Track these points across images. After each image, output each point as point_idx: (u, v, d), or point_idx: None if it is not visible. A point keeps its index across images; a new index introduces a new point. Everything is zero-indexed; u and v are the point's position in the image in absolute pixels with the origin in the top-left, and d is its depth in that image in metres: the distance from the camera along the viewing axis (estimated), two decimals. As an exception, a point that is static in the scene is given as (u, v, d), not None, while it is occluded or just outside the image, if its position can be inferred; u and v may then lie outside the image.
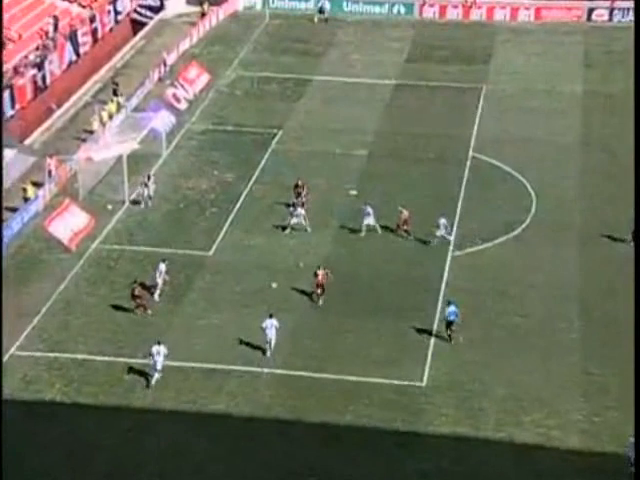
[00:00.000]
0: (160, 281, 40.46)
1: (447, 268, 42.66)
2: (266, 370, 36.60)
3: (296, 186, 46.72)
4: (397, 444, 33.30)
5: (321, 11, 70.86)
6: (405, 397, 35.35)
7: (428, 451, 33.13)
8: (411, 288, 41.22)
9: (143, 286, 40.11)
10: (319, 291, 40.23)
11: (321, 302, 40.28)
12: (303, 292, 40.95)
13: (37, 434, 33.32)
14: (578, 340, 38.04)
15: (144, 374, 36.18)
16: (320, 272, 40.08)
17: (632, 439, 31.26)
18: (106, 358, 37.18)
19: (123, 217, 46.83)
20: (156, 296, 40.44)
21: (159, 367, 35.74)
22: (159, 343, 35.85)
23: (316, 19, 70.53)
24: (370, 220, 44.43)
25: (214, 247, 44.26)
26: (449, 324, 37.93)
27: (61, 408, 34.72)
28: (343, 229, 45.56)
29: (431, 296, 40.71)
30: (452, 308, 37.80)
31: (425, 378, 36.20)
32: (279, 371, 36.54)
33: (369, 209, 44.42)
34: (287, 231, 44.76)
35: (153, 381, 35.87)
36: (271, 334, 37.11)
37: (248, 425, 34.06)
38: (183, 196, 48.49)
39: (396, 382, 36.03)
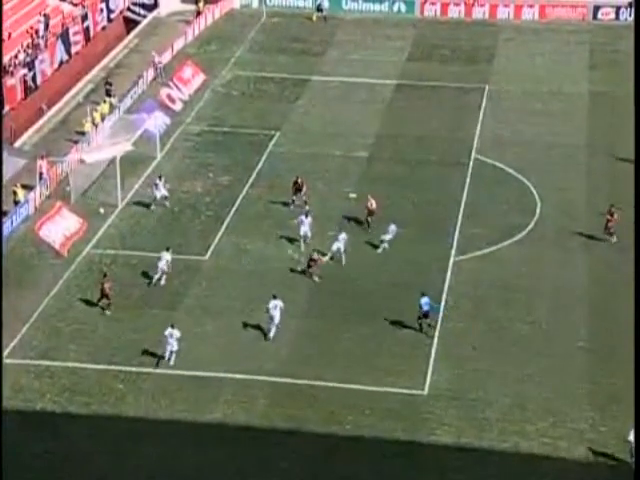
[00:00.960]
0: (166, 268, 41.06)
1: (449, 273, 42.11)
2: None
3: (295, 183, 46.30)
4: (398, 454, 32.96)
5: (319, 9, 70.26)
6: (406, 406, 35.00)
7: (430, 461, 32.80)
8: (412, 294, 40.53)
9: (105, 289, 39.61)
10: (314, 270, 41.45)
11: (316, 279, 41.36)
12: (301, 299, 40.44)
13: (27, 444, 32.90)
14: (585, 348, 37.69)
15: (155, 356, 36.93)
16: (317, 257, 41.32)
17: (632, 431, 31.45)
18: (98, 366, 36.83)
19: (116, 221, 46.40)
20: (163, 282, 41.34)
21: (175, 349, 36.67)
22: (172, 326, 36.65)
23: (315, 17, 69.99)
24: (339, 245, 42.37)
25: (209, 252, 43.81)
26: (424, 315, 38.11)
27: (52, 417, 34.36)
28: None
29: (433, 302, 39.82)
30: (425, 299, 38.06)
31: (427, 387, 35.86)
32: (276, 379, 36.09)
33: (343, 235, 42.71)
34: (301, 244, 43.65)
35: (172, 362, 36.76)
36: (276, 315, 37.59)
37: (244, 434, 33.68)
38: (178, 199, 48.03)
39: (397, 391, 35.67)
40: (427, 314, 38.23)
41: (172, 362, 36.79)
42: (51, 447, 32.91)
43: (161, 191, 46.86)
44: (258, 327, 38.68)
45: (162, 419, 34.31)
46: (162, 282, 41.26)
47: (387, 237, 43.48)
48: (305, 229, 43.62)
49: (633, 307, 36.02)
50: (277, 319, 37.78)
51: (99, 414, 34.50)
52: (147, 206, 47.04)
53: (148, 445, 33.19)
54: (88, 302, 40.31)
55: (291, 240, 44.25)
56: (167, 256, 41.12)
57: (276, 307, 37.70)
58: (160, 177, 47.61)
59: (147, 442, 33.33)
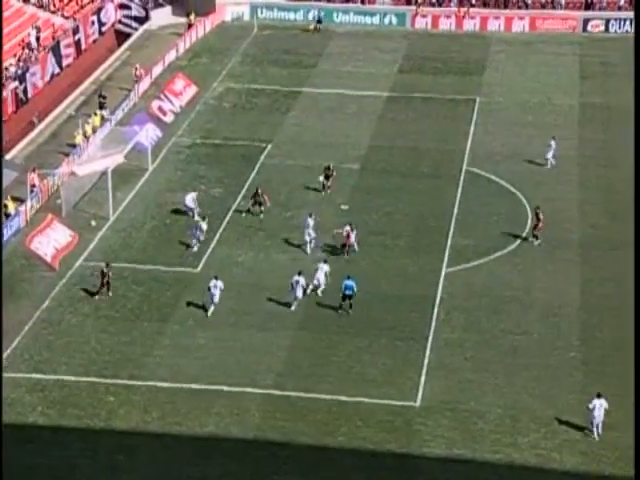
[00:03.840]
0: (202, 237, 43.84)
1: (441, 285, 41.95)
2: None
3: (327, 168, 48.53)
4: (391, 466, 32.77)
5: (319, 21, 70.22)
6: (399, 418, 34.84)
7: (423, 473, 32.61)
8: (404, 306, 40.76)
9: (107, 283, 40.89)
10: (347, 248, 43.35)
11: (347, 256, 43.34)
12: (293, 310, 40.34)
13: (18, 458, 32.51)
14: (577, 359, 37.60)
15: (202, 307, 39.60)
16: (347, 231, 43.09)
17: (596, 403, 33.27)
18: (89, 379, 36.57)
19: (108, 233, 46.22)
20: (195, 248, 44.02)
21: (216, 300, 39.38)
22: (216, 278, 39.40)
23: (312, 28, 70.08)
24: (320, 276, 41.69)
25: (201, 264, 43.58)
26: (344, 297, 39.36)
27: (43, 431, 34.07)
28: (334, 245, 44.72)
29: (425, 314, 40.15)
30: (349, 282, 39.34)
31: (419, 398, 35.70)
32: (269, 391, 35.91)
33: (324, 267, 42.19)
34: (308, 249, 44.15)
35: (209, 313, 39.39)
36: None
37: (237, 447, 33.48)
38: (169, 212, 47.72)
39: (390, 402, 35.50)
40: (349, 297, 39.37)
41: (209, 313, 39.49)
42: (42, 461, 32.63)
43: (191, 205, 46.59)
44: (250, 339, 38.58)
45: (154, 432, 34.08)
46: (195, 249, 43.92)
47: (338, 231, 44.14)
48: (309, 231, 43.94)
49: (633, 325, 35.89)
50: (300, 294, 39.77)
51: (90, 427, 34.23)
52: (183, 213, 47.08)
53: (140, 458, 32.94)
54: (80, 315, 40.09)
55: (284, 252, 44.21)
56: (204, 226, 44.01)
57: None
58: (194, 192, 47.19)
59: (139, 455, 33.08)
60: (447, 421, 34.57)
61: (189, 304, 40.70)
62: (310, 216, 44.08)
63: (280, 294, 41.17)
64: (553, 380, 36.51)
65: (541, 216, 44.49)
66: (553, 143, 51.44)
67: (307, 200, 47.96)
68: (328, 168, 48.96)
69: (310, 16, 71.93)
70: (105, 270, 40.94)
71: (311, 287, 40.96)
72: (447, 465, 32.79)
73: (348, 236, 43.60)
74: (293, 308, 40.02)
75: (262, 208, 46.62)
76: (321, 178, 48.85)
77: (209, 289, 39.57)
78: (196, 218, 45.60)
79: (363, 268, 43.11)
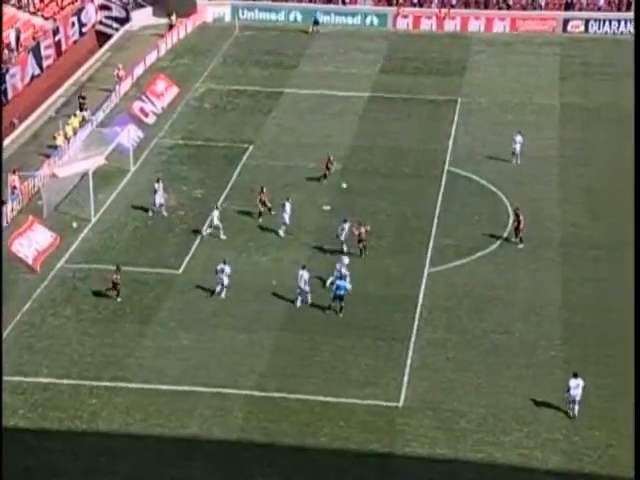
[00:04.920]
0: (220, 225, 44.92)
1: (423, 285, 42.01)
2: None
3: (328, 160, 49.60)
4: (374, 467, 32.79)
5: (316, 22, 70.32)
6: (382, 418, 34.85)
7: (406, 473, 32.65)
8: (387, 306, 40.77)
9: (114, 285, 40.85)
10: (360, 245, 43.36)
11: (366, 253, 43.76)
12: (276, 311, 40.28)
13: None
14: (559, 358, 37.64)
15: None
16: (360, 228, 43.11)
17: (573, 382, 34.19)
18: (72, 381, 36.44)
19: (89, 235, 46.02)
20: (222, 236, 44.99)
21: (226, 282, 40.65)
22: (224, 262, 40.61)
23: (310, 30, 69.99)
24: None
25: (183, 265, 43.51)
26: (335, 297, 39.49)
27: (25, 434, 33.86)
28: (316, 246, 44.73)
29: (407, 314, 40.15)
30: (341, 282, 39.44)
31: (402, 398, 35.70)
32: (252, 392, 35.88)
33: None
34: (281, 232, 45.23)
35: (223, 294, 40.78)
36: (304, 286, 40.16)
37: (220, 448, 33.41)
38: (151, 213, 47.52)
39: (372, 402, 35.50)
40: (342, 297, 39.31)
41: (223, 295, 40.61)
42: (24, 464, 32.43)
43: (158, 197, 46.81)
44: (233, 340, 38.53)
45: (136, 434, 33.97)
46: (222, 236, 44.95)
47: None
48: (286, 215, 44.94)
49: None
50: (307, 288, 40.06)
51: (72, 430, 34.12)
52: (145, 210, 47.16)
53: (122, 460, 32.83)
54: (61, 317, 39.94)
55: (266, 253, 44.23)
56: (215, 213, 45.02)
57: (302, 277, 40.12)
58: (158, 180, 47.49)
59: (121, 457, 32.97)
60: (430, 421, 34.60)
61: (171, 305, 40.64)
62: (287, 200, 45.10)
63: (262, 295, 41.15)
64: (535, 379, 36.57)
65: (521, 217, 44.60)
66: (519, 137, 51.50)
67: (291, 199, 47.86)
68: (329, 160, 49.80)
69: (291, 17, 71.93)
70: (115, 275, 40.60)
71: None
72: (430, 465, 32.82)
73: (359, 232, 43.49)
74: (298, 303, 40.33)
75: (270, 206, 46.41)
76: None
77: (216, 272, 40.47)
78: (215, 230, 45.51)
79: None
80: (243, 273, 42.77)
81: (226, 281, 40.66)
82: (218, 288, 40.82)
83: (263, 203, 46.60)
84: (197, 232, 45.70)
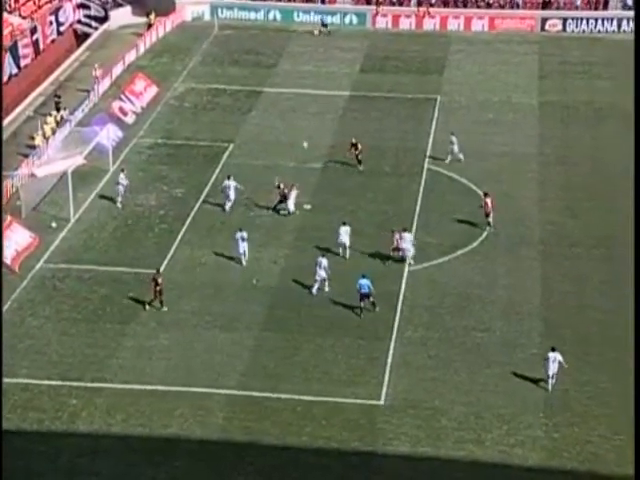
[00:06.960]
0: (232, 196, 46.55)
1: (404, 283, 42.03)
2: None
3: (353, 145, 50.36)
4: (356, 465, 32.80)
5: (324, 24, 70.00)
6: (363, 417, 34.87)
7: (387, 472, 32.66)
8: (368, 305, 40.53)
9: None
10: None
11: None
12: (257, 310, 40.23)
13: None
14: (539, 356, 37.62)
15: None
16: None
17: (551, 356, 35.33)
18: (51, 382, 36.29)
19: (68, 235, 45.82)
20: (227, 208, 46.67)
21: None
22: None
23: (316, 32, 69.71)
24: (345, 239, 43.27)
25: (164, 265, 43.35)
26: (362, 297, 39.37)
27: (4, 435, 33.36)
28: (297, 244, 44.74)
29: (388, 312, 40.10)
30: (363, 281, 39.25)
31: (383, 396, 35.73)
32: (233, 392, 35.82)
33: (346, 228, 43.45)
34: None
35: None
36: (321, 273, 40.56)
37: (201, 448, 33.33)
38: (131, 212, 47.53)
39: (354, 401, 35.51)
40: (367, 296, 39.34)
41: (244, 262, 42.63)
42: (4, 464, 31.78)
43: (123, 183, 47.37)
44: (214, 340, 38.49)
45: (117, 434, 33.88)
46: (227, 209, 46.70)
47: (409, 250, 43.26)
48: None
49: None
50: (324, 275, 40.52)
51: (53, 430, 33.99)
52: (112, 200, 47.57)
53: (103, 461, 32.73)
54: (41, 317, 39.75)
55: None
56: (232, 183, 46.75)
57: (321, 264, 40.52)
58: (122, 170, 47.79)
59: (102, 458, 32.87)
60: (411, 419, 34.64)
61: (151, 305, 40.50)
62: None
63: (243, 294, 41.10)
64: (515, 377, 36.63)
65: (488, 200, 44.85)
66: (454, 138, 51.55)
67: (269, 199, 47.63)
68: (354, 145, 50.41)
69: (271, 16, 71.87)
70: (157, 278, 39.88)
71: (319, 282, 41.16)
72: (411, 463, 32.86)
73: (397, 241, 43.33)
74: (314, 291, 40.85)
75: (285, 203, 46.73)
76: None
77: (237, 240, 42.42)
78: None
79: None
80: (223, 272, 42.79)
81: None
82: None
83: (282, 196, 46.59)
84: (173, 233, 45.49)
